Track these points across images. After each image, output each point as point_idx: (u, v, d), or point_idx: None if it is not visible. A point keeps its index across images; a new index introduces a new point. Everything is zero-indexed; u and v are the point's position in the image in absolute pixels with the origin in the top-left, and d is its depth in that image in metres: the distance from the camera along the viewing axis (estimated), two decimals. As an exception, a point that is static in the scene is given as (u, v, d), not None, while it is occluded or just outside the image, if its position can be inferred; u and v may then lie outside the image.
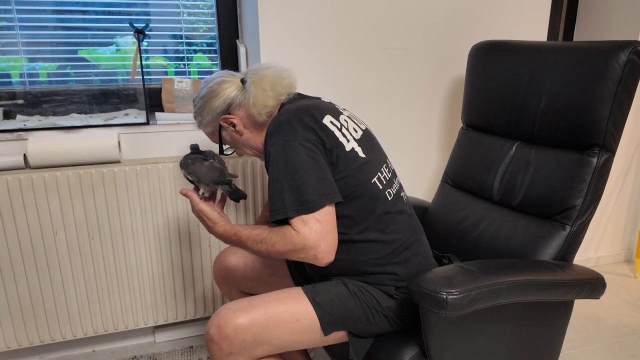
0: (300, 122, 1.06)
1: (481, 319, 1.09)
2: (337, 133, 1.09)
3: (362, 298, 1.10)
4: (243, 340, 1.01)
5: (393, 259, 1.12)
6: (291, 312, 1.04)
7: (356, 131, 1.15)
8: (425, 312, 1.02)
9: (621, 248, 2.48)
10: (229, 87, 1.19)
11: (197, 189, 1.22)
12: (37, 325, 1.54)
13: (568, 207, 1.23)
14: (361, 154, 1.11)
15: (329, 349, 1.27)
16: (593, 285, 1.17)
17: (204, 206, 1.17)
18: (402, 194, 1.20)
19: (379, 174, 1.13)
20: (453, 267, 1.09)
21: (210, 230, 1.17)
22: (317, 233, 0.99)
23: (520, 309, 1.14)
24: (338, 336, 1.11)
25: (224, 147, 1.28)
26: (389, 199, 1.13)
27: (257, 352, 1.04)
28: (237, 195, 1.18)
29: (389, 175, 1.17)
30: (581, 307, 2.06)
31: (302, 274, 1.37)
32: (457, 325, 1.06)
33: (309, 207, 0.99)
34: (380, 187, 1.12)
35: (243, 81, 1.20)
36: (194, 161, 1.17)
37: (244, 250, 1.13)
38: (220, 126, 1.21)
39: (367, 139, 1.17)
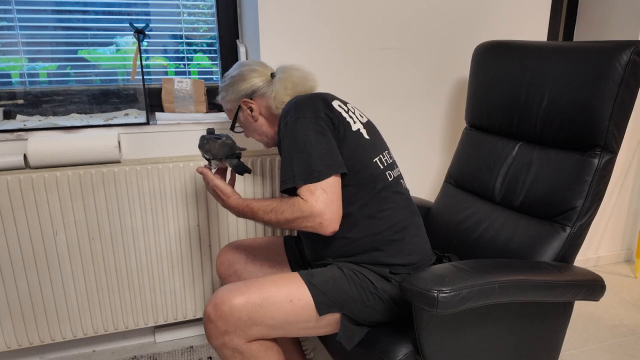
0: (309, 103, 1.15)
1: (476, 318, 1.09)
2: (345, 114, 1.19)
3: (356, 280, 1.13)
4: (238, 318, 1.04)
5: (390, 236, 1.16)
6: (285, 293, 1.08)
7: (362, 117, 1.24)
8: (418, 310, 1.03)
9: (621, 248, 2.48)
10: (258, 76, 1.31)
11: (209, 168, 1.32)
12: (37, 325, 1.54)
13: (568, 208, 1.23)
14: (365, 135, 1.20)
15: (327, 343, 1.27)
16: (591, 287, 1.17)
17: (219, 182, 1.25)
18: (401, 180, 1.26)
19: (381, 156, 1.21)
20: (447, 265, 1.09)
21: (224, 203, 1.25)
22: (322, 202, 1.07)
23: (517, 309, 1.14)
24: (333, 321, 1.13)
25: (236, 125, 1.38)
26: (389, 179, 1.20)
27: (252, 333, 1.07)
28: (242, 169, 1.30)
29: (390, 161, 1.24)
30: (581, 307, 2.06)
31: (301, 265, 1.39)
32: (450, 323, 1.06)
33: (315, 177, 1.07)
34: (381, 167, 1.19)
35: (272, 75, 1.32)
36: (208, 141, 1.29)
37: (255, 222, 1.22)
38: (239, 107, 1.32)
39: (372, 127, 1.25)
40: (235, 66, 1.35)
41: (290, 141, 1.12)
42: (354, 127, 1.18)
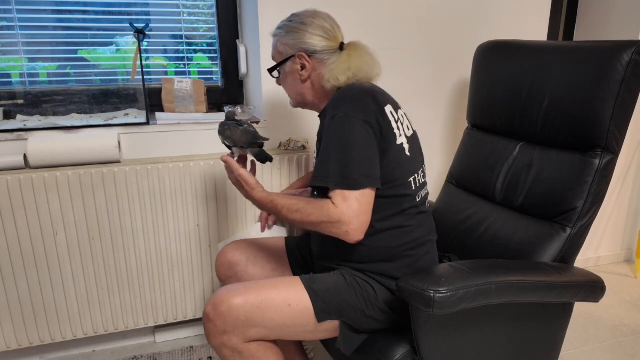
0: (364, 102, 1.09)
1: (474, 318, 1.09)
2: (393, 124, 1.13)
3: (358, 290, 1.12)
4: (236, 318, 1.04)
5: (404, 252, 1.15)
6: (284, 297, 1.08)
7: (408, 129, 1.19)
8: (415, 310, 1.03)
9: (621, 248, 2.48)
10: (327, 39, 1.20)
11: (231, 156, 1.26)
12: (37, 325, 1.54)
13: (569, 208, 1.23)
14: (407, 152, 1.15)
15: (327, 344, 1.27)
16: (591, 288, 1.17)
17: (243, 172, 1.19)
18: (427, 200, 1.24)
19: (416, 175, 1.17)
20: (445, 266, 1.10)
21: (248, 194, 1.19)
22: (354, 211, 1.03)
23: (515, 310, 1.14)
24: (332, 327, 1.12)
25: (276, 70, 1.27)
26: (417, 200, 1.17)
27: (250, 333, 1.06)
28: (264, 157, 1.24)
29: (423, 180, 1.21)
30: (581, 307, 2.06)
31: (303, 268, 1.38)
32: (448, 323, 1.06)
33: (349, 184, 1.04)
34: (413, 188, 1.16)
35: (341, 46, 1.22)
36: (229, 127, 1.23)
37: (277, 217, 1.18)
38: (292, 56, 1.21)
39: (415, 141, 1.20)
40: (309, 12, 1.22)
41: (333, 138, 1.06)
42: (398, 141, 1.12)
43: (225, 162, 1.21)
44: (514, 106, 1.40)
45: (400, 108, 1.19)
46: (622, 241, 2.47)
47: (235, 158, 1.25)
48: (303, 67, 1.21)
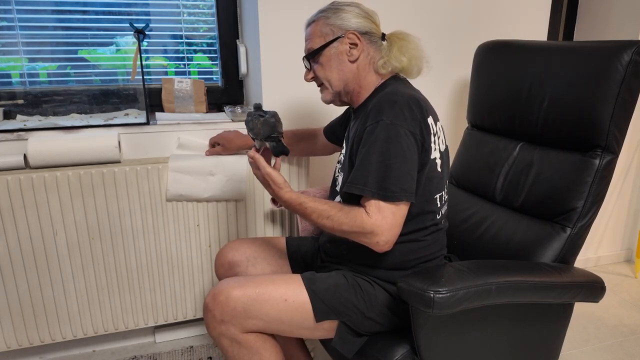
0: (411, 111, 1.06)
1: (473, 318, 1.09)
2: (432, 137, 1.10)
3: (359, 292, 1.12)
4: (234, 309, 1.06)
5: (415, 265, 1.16)
6: (281, 292, 1.09)
7: (443, 144, 1.17)
8: (415, 310, 1.03)
9: (621, 248, 2.48)
10: (374, 24, 1.17)
11: (255, 149, 1.23)
12: (37, 325, 1.54)
13: (569, 209, 1.23)
14: (438, 168, 1.13)
15: (327, 346, 1.27)
16: (591, 288, 1.17)
17: (271, 170, 1.15)
18: (445, 217, 1.24)
19: (443, 192, 1.17)
20: (445, 266, 1.10)
21: (275, 193, 1.15)
22: (387, 223, 1.02)
23: (515, 310, 1.14)
24: (331, 327, 1.13)
25: (317, 55, 1.19)
26: (437, 217, 1.17)
27: (247, 325, 1.08)
28: (279, 150, 1.20)
29: (446, 197, 1.21)
30: (581, 307, 2.06)
31: (303, 269, 1.37)
32: (447, 323, 1.06)
33: (386, 196, 1.01)
34: (438, 205, 1.16)
35: (383, 37, 1.18)
36: (252, 119, 1.20)
37: (304, 219, 1.16)
38: (338, 38, 1.15)
39: (446, 156, 1.19)
40: (347, 0, 1.19)
41: (376, 146, 1.03)
42: (432, 155, 1.10)
43: (251, 157, 1.16)
44: (514, 106, 1.40)
45: (438, 120, 1.16)
46: (622, 241, 2.47)
47: (260, 152, 1.21)
48: (353, 46, 1.15)
